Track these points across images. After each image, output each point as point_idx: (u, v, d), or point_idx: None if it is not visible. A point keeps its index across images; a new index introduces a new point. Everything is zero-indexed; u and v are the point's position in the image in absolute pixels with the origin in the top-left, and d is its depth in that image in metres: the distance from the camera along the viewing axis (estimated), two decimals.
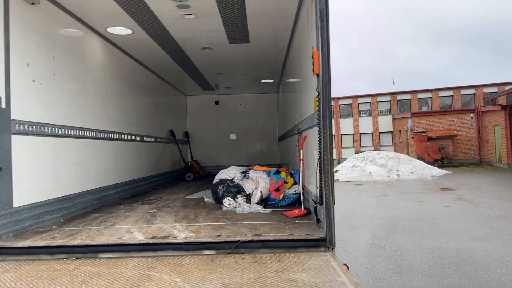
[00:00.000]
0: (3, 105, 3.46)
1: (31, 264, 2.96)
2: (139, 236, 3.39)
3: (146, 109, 7.74)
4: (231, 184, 4.94)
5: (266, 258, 2.90)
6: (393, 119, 38.15)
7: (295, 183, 5.05)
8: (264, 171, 5.13)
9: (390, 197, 14.01)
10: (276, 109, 11.43)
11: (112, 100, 5.96)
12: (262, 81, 9.68)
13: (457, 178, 19.17)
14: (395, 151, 31.45)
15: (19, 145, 3.65)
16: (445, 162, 26.47)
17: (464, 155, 28.57)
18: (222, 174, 5.26)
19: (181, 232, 3.49)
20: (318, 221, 3.61)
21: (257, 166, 5.53)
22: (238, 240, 3.16)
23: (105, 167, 5.62)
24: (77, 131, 4.82)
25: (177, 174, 9.81)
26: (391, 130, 38.74)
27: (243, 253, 3.03)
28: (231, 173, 5.17)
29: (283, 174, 5.07)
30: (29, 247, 3.19)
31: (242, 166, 5.68)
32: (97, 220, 4.26)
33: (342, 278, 2.42)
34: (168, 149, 9.38)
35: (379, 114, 40.17)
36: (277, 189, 4.81)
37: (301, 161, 4.68)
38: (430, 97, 39.17)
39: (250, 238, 3.19)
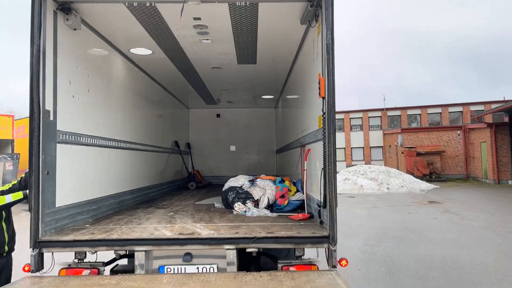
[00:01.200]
0: (51, 118, 4.00)
1: (76, 280, 3.39)
2: (167, 233, 3.92)
3: (155, 121, 8.29)
4: (240, 191, 5.49)
5: (281, 276, 3.42)
6: (384, 134, 39.14)
7: (297, 191, 5.62)
8: (270, 179, 5.69)
9: (381, 209, 14.63)
10: (274, 123, 12.04)
11: (129, 113, 6.50)
12: (262, 97, 10.31)
13: (444, 192, 19.92)
14: (385, 165, 32.27)
15: (62, 152, 4.17)
16: (433, 177, 27.31)
17: (451, 170, 29.48)
18: (232, 182, 5.81)
19: (203, 230, 4.02)
20: (321, 222, 4.17)
21: (263, 175, 6.08)
22: (255, 237, 3.71)
23: (122, 174, 6.12)
24: (103, 141, 5.35)
25: (180, 183, 10.30)
26: (382, 145, 39.70)
27: (260, 272, 3.53)
28: (240, 181, 5.72)
29: (287, 183, 5.64)
30: (74, 241, 3.70)
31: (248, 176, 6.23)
32: (123, 220, 4.76)
33: None
34: (172, 159, 9.90)
35: (370, 129, 41.21)
36: (282, 196, 5.36)
37: (304, 171, 5.26)
38: (420, 114, 40.36)
39: (265, 235, 3.75)
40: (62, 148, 4.20)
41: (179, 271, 3.73)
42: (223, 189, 5.84)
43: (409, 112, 40.85)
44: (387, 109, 41.32)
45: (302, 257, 3.88)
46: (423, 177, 26.29)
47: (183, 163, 10.73)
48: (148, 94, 7.76)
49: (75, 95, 4.55)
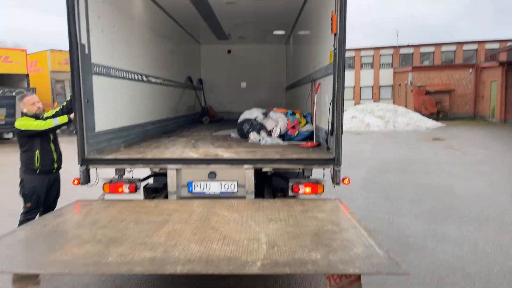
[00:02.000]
0: (86, 51, 4.40)
1: (121, 204, 3.96)
2: (194, 155, 4.50)
3: (171, 56, 8.58)
4: (254, 123, 6.00)
5: (293, 203, 3.99)
6: (394, 73, 38.63)
7: (307, 122, 6.12)
8: (282, 112, 6.17)
9: (385, 145, 15.23)
10: (285, 60, 12.22)
11: (148, 48, 6.83)
12: (274, 32, 10.41)
13: (450, 131, 20.36)
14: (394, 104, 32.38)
15: (96, 83, 4.64)
16: (440, 116, 27.54)
17: (460, 110, 29.58)
18: (246, 114, 6.30)
19: (225, 154, 4.60)
20: (328, 148, 4.71)
21: (275, 108, 6.54)
22: (270, 158, 4.28)
23: (146, 105, 6.63)
24: (128, 73, 5.77)
25: (194, 117, 10.83)
26: (392, 84, 39.36)
27: (274, 198, 4.09)
28: (254, 113, 6.21)
29: (297, 115, 6.12)
30: (115, 159, 4.31)
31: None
32: (151, 145, 5.35)
33: (348, 216, 3.53)
34: (187, 94, 10.33)
35: (380, 67, 40.56)
36: (293, 127, 5.88)
37: (314, 104, 5.70)
38: (433, 51, 39.37)
39: (279, 157, 4.31)
40: (96, 79, 4.66)
41: (205, 187, 4.34)
42: (238, 121, 6.34)
43: (422, 49, 39.83)
44: (400, 46, 40.28)
45: (310, 177, 4.47)
46: (430, 116, 26.54)
47: (196, 98, 11.17)
48: (164, 30, 7.99)
49: (104, 29, 4.89)
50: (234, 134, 6.47)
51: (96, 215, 3.61)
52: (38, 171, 4.38)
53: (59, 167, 4.66)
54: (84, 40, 4.32)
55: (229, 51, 12.49)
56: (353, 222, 3.32)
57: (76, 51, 4.14)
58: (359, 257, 2.58)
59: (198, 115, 10.94)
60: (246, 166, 4.25)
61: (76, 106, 4.19)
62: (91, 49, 4.49)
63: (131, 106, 5.92)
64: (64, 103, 4.75)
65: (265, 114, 6.26)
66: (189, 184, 4.37)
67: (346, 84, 4.15)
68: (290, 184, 4.34)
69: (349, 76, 39.09)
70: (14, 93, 16.75)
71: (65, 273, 2.58)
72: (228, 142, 5.84)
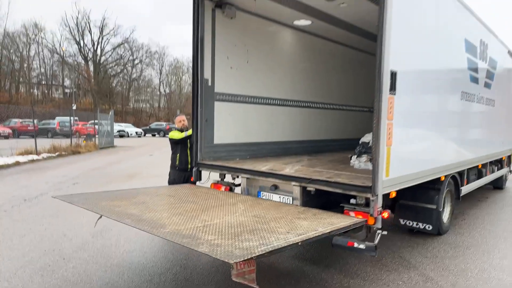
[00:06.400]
0: (210, 84, 5.95)
1: (211, 191, 5.23)
2: (262, 168, 5.19)
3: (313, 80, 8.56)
4: (363, 146, 5.93)
5: (322, 214, 4.07)
6: None
7: None
8: None
9: None
10: None
11: (295, 76, 7.74)
12: None
13: None
14: None
15: (219, 107, 6.11)
16: None
17: None
18: (365, 137, 6.25)
19: (285, 170, 5.07)
20: None
21: None
22: (310, 178, 4.46)
23: (289, 125, 7.61)
24: (264, 99, 6.99)
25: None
26: None
27: (316, 209, 4.30)
28: (368, 137, 6.09)
29: None
30: (212, 165, 5.63)
31: None
32: (267, 161, 6.27)
33: None
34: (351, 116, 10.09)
35: None
36: None
37: None
38: None
39: (318, 178, 4.44)
40: (220, 104, 6.13)
41: (269, 196, 4.99)
42: (360, 141, 6.36)
43: None
44: None
45: (362, 206, 4.26)
46: None
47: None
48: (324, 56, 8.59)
49: (233, 66, 6.33)
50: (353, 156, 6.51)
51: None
52: (177, 168, 6.25)
53: (192, 167, 6.39)
54: (207, 75, 5.87)
55: None
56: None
57: (197, 84, 5.73)
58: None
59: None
60: (293, 183, 4.62)
61: (194, 124, 5.78)
62: (215, 82, 6.00)
63: (267, 125, 7.08)
64: None
65: None
66: (258, 193, 5.13)
67: None
68: (344, 207, 4.29)
69: None
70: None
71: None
72: (325, 162, 6.11)
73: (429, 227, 5.58)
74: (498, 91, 8.07)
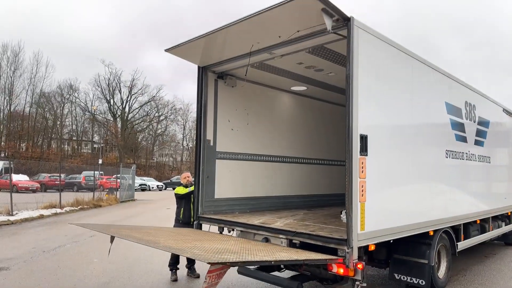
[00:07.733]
0: (212, 144, 6.59)
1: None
2: (255, 221, 5.59)
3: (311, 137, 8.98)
4: None
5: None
6: None
7: None
8: None
9: None
10: None
11: (294, 134, 8.30)
12: None
13: None
14: None
15: (220, 164, 6.67)
16: None
17: None
18: None
19: (275, 224, 5.46)
20: None
21: None
22: (295, 231, 4.82)
23: (288, 181, 8.05)
24: (263, 157, 7.54)
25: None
26: None
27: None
28: None
29: None
30: (210, 218, 6.07)
31: None
32: (264, 215, 6.68)
33: None
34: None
35: None
36: None
37: None
38: None
39: (301, 231, 4.79)
40: (221, 162, 6.71)
41: None
42: None
43: None
44: None
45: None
46: None
47: None
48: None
49: (234, 128, 6.99)
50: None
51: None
52: (180, 221, 6.72)
53: (193, 220, 6.85)
54: (209, 137, 6.52)
55: None
56: None
57: (199, 144, 6.36)
58: None
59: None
60: (281, 235, 4.99)
61: (196, 180, 6.34)
62: (216, 142, 6.63)
63: (267, 181, 7.56)
64: None
65: None
66: None
67: None
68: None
69: None
70: None
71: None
72: (316, 216, 6.45)
73: (422, 282, 5.64)
74: (493, 148, 8.32)
